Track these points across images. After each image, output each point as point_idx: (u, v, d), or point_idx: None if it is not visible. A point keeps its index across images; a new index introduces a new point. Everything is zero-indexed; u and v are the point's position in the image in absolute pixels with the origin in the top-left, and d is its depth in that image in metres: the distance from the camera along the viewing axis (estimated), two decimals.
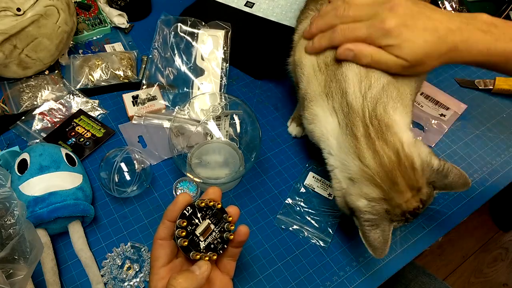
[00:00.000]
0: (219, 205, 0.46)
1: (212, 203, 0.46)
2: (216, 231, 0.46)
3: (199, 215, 0.45)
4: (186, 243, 0.43)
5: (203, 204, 0.45)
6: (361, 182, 0.51)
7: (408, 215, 0.51)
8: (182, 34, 0.78)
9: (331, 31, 0.55)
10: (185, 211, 0.45)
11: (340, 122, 0.54)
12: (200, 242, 0.45)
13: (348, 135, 0.52)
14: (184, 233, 0.44)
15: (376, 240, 0.51)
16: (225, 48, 0.78)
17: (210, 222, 0.46)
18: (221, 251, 0.46)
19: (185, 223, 0.44)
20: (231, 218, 0.47)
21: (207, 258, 0.44)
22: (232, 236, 0.46)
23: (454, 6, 0.89)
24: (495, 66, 0.53)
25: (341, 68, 0.54)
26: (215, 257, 0.45)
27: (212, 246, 0.45)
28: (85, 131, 0.69)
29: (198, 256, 0.44)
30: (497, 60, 0.51)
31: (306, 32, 0.59)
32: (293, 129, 0.73)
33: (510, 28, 0.51)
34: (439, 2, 0.89)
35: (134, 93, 0.73)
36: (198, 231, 0.45)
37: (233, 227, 0.46)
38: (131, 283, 0.56)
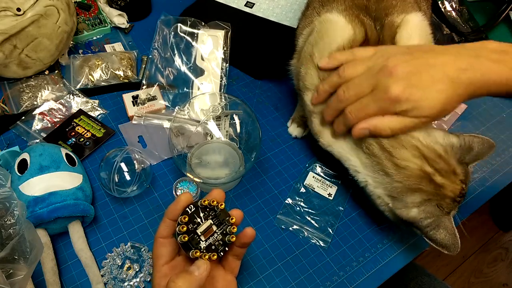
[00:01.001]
0: (222, 206, 0.46)
1: (214, 203, 0.46)
2: (218, 233, 0.46)
3: (201, 214, 0.45)
4: (186, 238, 0.43)
5: (206, 203, 0.45)
6: (401, 195, 0.51)
7: (458, 199, 0.51)
8: (182, 34, 0.78)
9: (342, 116, 0.54)
10: (187, 208, 0.45)
11: (354, 142, 0.55)
12: (201, 242, 0.44)
13: (366, 153, 0.53)
14: (184, 229, 0.44)
15: (444, 239, 0.51)
16: (225, 48, 0.78)
17: (212, 222, 0.45)
18: (222, 253, 0.45)
19: (186, 219, 0.44)
20: (234, 221, 0.46)
21: (206, 257, 0.44)
22: (234, 239, 0.46)
23: (454, 6, 0.90)
24: None
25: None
26: (215, 257, 0.45)
27: (213, 247, 0.45)
28: (85, 131, 0.69)
29: (198, 254, 0.44)
30: None
31: (325, 119, 0.58)
32: (293, 129, 0.73)
33: None
34: (439, 2, 0.89)
35: (134, 93, 0.73)
36: (200, 230, 0.45)
37: (235, 230, 0.46)
38: (131, 283, 0.56)
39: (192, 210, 0.45)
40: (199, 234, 0.44)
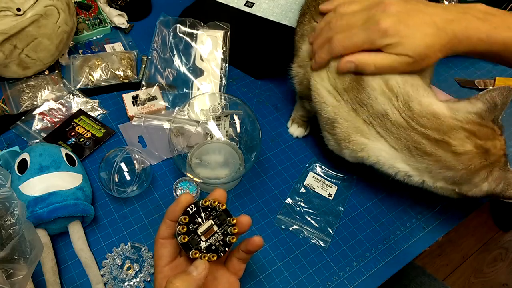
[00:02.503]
0: (224, 207, 0.46)
1: (216, 203, 0.46)
2: (219, 233, 0.45)
3: (202, 214, 0.45)
4: (186, 239, 0.43)
5: (207, 203, 0.45)
6: (469, 179, 0.52)
7: (506, 152, 0.53)
8: (181, 35, 0.78)
9: (328, 42, 0.55)
10: (188, 208, 0.44)
11: (393, 145, 0.54)
12: (201, 242, 0.44)
13: (419, 155, 0.52)
14: (184, 229, 0.44)
15: None
16: (224, 49, 0.78)
17: (213, 223, 0.45)
18: (222, 254, 0.45)
19: (187, 219, 0.44)
20: (235, 221, 0.46)
21: (206, 258, 0.44)
22: (235, 239, 0.46)
23: (452, 2, 0.89)
24: (497, 56, 0.53)
25: (366, 91, 0.53)
26: (214, 258, 0.45)
27: (213, 247, 0.45)
28: (85, 131, 0.69)
29: (198, 255, 0.44)
30: (498, 48, 0.51)
31: (310, 53, 0.59)
32: (294, 130, 0.73)
33: (507, 16, 0.51)
34: (439, 1, 0.89)
35: (134, 93, 0.73)
36: (200, 230, 0.44)
37: (236, 230, 0.46)
38: (131, 283, 0.56)
39: (193, 210, 0.45)
40: (200, 234, 0.44)
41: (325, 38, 0.55)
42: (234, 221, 0.46)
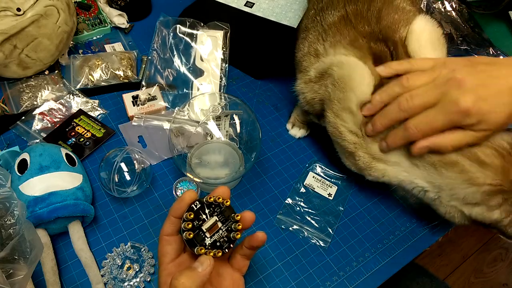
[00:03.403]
0: (228, 203, 0.46)
1: (220, 199, 0.46)
2: (223, 229, 0.46)
3: (207, 211, 0.45)
4: (191, 235, 0.43)
5: (212, 199, 0.45)
6: (485, 200, 0.50)
7: None
8: (181, 35, 0.78)
9: (403, 129, 0.51)
10: (193, 205, 0.45)
11: (415, 162, 0.53)
12: (206, 238, 0.44)
13: (443, 167, 0.51)
14: (190, 226, 0.44)
15: None
16: (224, 49, 0.78)
17: (217, 219, 0.45)
18: (226, 250, 0.46)
19: (192, 216, 0.44)
20: (239, 217, 0.46)
21: (211, 254, 0.44)
22: (239, 235, 0.46)
23: (454, 6, 0.90)
24: None
25: None
26: (219, 254, 0.45)
27: (218, 244, 0.45)
28: (85, 131, 0.69)
29: (203, 251, 0.44)
30: None
31: (369, 130, 0.54)
32: (296, 132, 0.73)
33: None
34: (439, 2, 0.89)
35: (134, 93, 0.73)
36: (205, 227, 0.45)
37: (240, 227, 0.46)
38: (131, 283, 0.56)
39: (198, 206, 0.45)
40: (204, 230, 0.45)
41: (394, 121, 0.52)
42: (238, 217, 0.46)
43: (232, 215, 0.46)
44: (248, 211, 0.47)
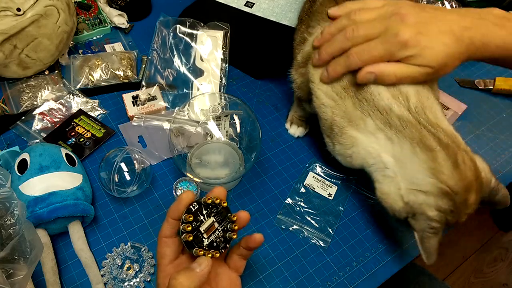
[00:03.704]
0: (225, 204, 0.46)
1: (218, 200, 0.46)
2: (220, 230, 0.46)
3: (204, 212, 0.45)
4: (191, 238, 0.43)
5: (210, 201, 0.45)
6: (435, 196, 0.50)
7: (453, 226, 0.52)
8: (181, 35, 0.78)
9: (345, 56, 0.53)
10: (191, 206, 0.45)
11: (391, 137, 0.52)
12: (204, 239, 0.45)
13: (419, 149, 0.50)
14: (189, 228, 0.44)
15: (432, 247, 0.51)
16: (224, 49, 0.78)
17: (214, 220, 0.46)
18: (223, 250, 0.46)
19: (191, 218, 0.44)
20: (235, 218, 0.47)
21: (209, 255, 0.44)
22: (235, 236, 0.46)
23: (454, 6, 0.89)
24: None
25: (369, 88, 0.53)
26: (217, 255, 0.45)
27: (214, 244, 0.45)
28: (85, 131, 0.69)
29: (202, 253, 0.44)
30: None
31: (315, 60, 0.57)
32: (294, 130, 0.73)
33: None
34: (439, 2, 0.89)
35: (134, 93, 0.73)
36: (203, 228, 0.45)
37: (236, 227, 0.46)
38: (131, 283, 0.56)
39: (196, 208, 0.45)
40: (202, 232, 0.45)
41: (339, 49, 0.53)
42: (235, 217, 0.46)
43: (228, 215, 0.46)
44: (243, 211, 0.47)
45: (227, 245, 0.46)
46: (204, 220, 0.45)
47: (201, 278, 0.42)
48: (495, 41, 0.50)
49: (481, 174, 0.51)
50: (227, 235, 0.46)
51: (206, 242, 0.45)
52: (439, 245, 0.51)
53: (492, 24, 0.50)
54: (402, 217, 0.53)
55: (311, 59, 0.58)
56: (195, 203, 0.45)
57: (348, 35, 0.52)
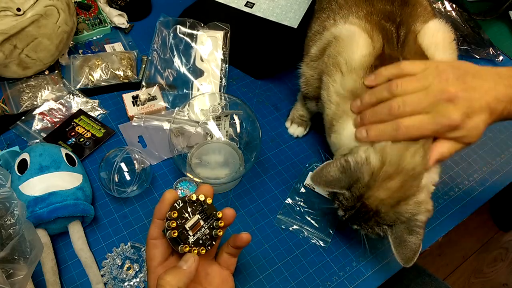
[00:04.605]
0: (210, 201, 0.46)
1: (202, 197, 0.46)
2: (205, 227, 0.46)
3: (189, 209, 0.45)
4: (176, 234, 0.43)
5: (194, 197, 0.45)
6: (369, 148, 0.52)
7: (358, 204, 0.52)
8: (181, 36, 0.78)
9: (393, 128, 0.51)
10: (175, 204, 0.45)
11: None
12: (189, 236, 0.45)
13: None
14: (174, 224, 0.44)
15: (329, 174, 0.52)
16: (224, 49, 0.78)
17: (199, 217, 0.46)
18: (209, 247, 0.46)
19: (175, 215, 0.44)
20: (220, 215, 0.47)
21: (195, 252, 0.44)
22: (221, 233, 0.46)
23: (454, 6, 0.90)
24: None
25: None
26: (203, 251, 0.45)
27: (200, 241, 0.45)
28: (85, 131, 0.69)
29: (187, 249, 0.44)
30: None
31: (357, 122, 0.55)
32: (294, 130, 0.73)
33: None
34: (439, 2, 0.89)
35: (134, 93, 0.73)
36: (188, 225, 0.45)
37: (222, 224, 0.47)
38: (131, 283, 0.56)
39: (180, 205, 0.45)
40: (187, 229, 0.45)
41: (384, 121, 0.53)
42: (220, 215, 0.46)
43: (214, 212, 0.46)
44: (228, 208, 0.47)
45: (213, 242, 0.46)
46: (189, 218, 0.45)
47: (188, 275, 0.42)
48: None
49: (421, 180, 0.52)
50: (213, 232, 0.46)
51: (192, 239, 0.45)
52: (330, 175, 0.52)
53: None
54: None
55: (353, 120, 0.56)
56: (180, 201, 0.45)
57: (393, 112, 0.52)
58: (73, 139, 0.68)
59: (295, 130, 0.73)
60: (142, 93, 0.73)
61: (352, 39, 0.57)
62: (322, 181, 0.52)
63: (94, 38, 0.83)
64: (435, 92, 0.50)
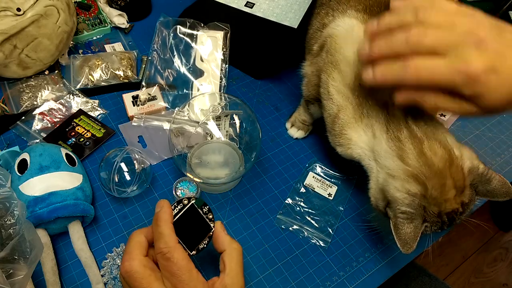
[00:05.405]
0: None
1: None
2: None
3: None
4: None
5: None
6: (402, 179, 0.51)
7: (444, 218, 0.51)
8: (181, 36, 0.78)
9: (402, 65, 0.43)
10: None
11: (375, 133, 0.54)
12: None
13: (390, 139, 0.52)
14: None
15: (407, 235, 0.50)
16: (224, 49, 0.78)
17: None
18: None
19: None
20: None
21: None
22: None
23: None
24: None
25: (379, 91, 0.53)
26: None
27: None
28: (85, 131, 0.69)
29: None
30: None
31: (363, 53, 0.47)
32: (294, 132, 0.73)
33: None
34: None
35: (134, 93, 0.73)
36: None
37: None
38: None
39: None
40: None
41: (395, 51, 0.44)
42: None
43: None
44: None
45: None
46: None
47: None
48: None
49: (458, 161, 0.50)
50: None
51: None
52: (418, 235, 0.50)
53: None
54: (382, 207, 0.54)
55: (358, 51, 0.49)
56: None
57: (411, 40, 0.42)
58: (73, 139, 0.68)
59: (295, 133, 0.73)
60: (142, 93, 0.73)
61: (350, 34, 0.56)
62: (412, 242, 0.50)
63: (94, 38, 0.83)
64: (461, 32, 0.41)
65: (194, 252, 0.45)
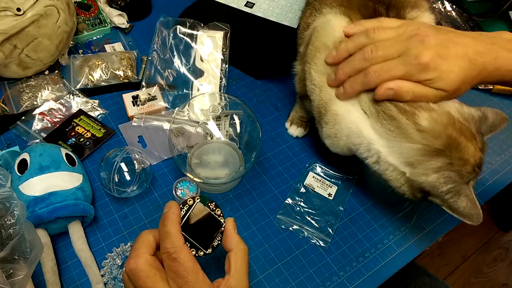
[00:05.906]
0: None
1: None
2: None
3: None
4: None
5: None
6: (421, 161, 0.50)
7: (476, 168, 0.51)
8: (181, 36, 0.78)
9: (363, 74, 0.52)
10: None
11: (365, 109, 0.54)
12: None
13: (384, 119, 0.52)
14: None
15: (466, 208, 0.50)
16: (224, 49, 0.78)
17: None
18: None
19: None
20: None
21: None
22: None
23: (454, 6, 0.90)
24: None
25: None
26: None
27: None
28: (85, 131, 0.69)
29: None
30: None
31: (331, 81, 0.56)
32: (294, 130, 0.73)
33: None
34: (439, 2, 0.89)
35: (134, 93, 0.73)
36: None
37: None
38: None
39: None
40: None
41: (356, 70, 0.53)
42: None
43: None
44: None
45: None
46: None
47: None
48: (505, 66, 0.51)
49: (456, 118, 0.51)
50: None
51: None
52: (474, 200, 0.50)
53: (504, 49, 0.51)
54: (419, 197, 0.53)
55: (327, 79, 0.57)
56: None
57: (367, 56, 0.52)
58: (73, 139, 0.68)
59: (295, 130, 0.73)
60: (142, 93, 0.73)
61: (328, 23, 0.58)
62: (475, 210, 0.50)
63: (94, 38, 0.83)
64: (407, 37, 0.51)
65: (209, 250, 0.45)
